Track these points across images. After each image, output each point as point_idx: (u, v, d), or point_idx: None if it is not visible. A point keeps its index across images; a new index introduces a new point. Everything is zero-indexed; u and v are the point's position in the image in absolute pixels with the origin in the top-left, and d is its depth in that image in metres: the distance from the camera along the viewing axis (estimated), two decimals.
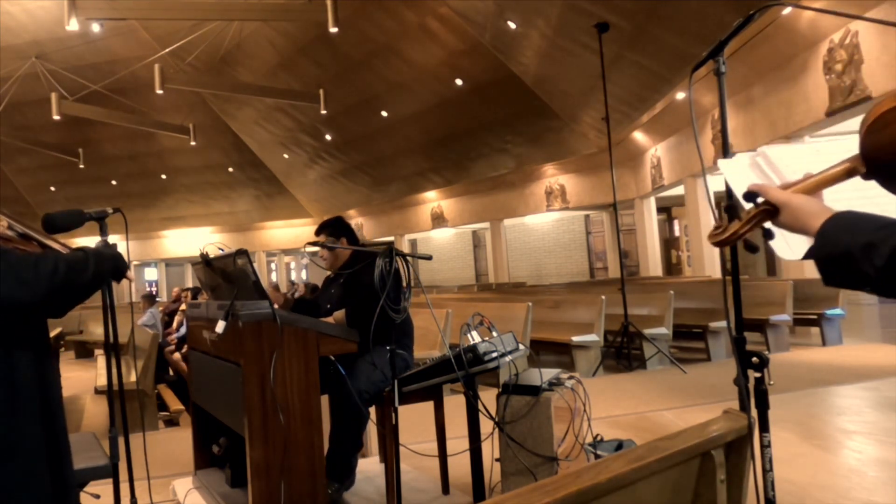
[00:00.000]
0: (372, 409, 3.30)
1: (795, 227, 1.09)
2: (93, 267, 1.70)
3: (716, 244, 1.21)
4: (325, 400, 2.97)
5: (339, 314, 3.23)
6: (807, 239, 1.26)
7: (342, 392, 2.96)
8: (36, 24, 18.12)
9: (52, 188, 25.94)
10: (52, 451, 1.65)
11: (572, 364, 6.50)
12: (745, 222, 1.15)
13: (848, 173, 1.06)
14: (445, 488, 3.15)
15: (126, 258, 1.91)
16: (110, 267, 1.79)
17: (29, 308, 1.58)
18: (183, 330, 8.40)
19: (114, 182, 25.90)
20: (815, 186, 1.11)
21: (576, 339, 6.52)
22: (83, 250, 1.80)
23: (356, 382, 2.95)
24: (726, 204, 1.21)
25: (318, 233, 3.53)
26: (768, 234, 1.16)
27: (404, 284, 2.83)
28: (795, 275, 9.26)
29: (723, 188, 1.33)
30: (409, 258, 2.92)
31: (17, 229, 1.74)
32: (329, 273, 3.61)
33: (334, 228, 3.52)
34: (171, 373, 8.22)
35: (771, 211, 1.12)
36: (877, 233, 0.94)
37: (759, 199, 1.13)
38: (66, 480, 1.70)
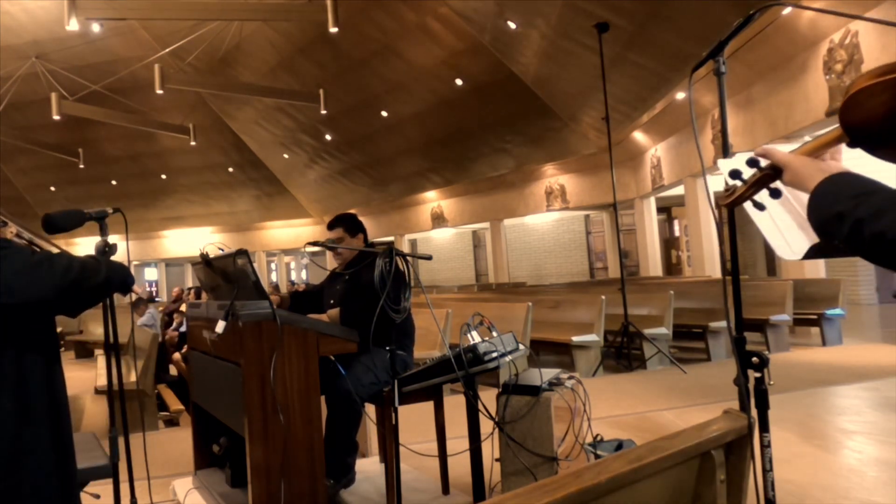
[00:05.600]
0: (372, 410, 3.30)
1: (796, 187, 1.17)
2: (104, 272, 1.76)
3: (726, 206, 1.31)
4: (324, 400, 2.98)
5: (333, 312, 3.23)
6: (806, 238, 1.27)
7: (334, 391, 2.97)
8: (36, 24, 18.11)
9: (52, 188, 25.93)
10: (59, 452, 1.67)
11: (572, 364, 6.50)
12: (752, 184, 1.25)
13: (838, 139, 1.14)
14: (445, 488, 3.15)
15: (126, 258, 1.95)
16: (119, 278, 1.86)
17: (42, 303, 1.62)
18: (183, 328, 8.40)
19: (114, 182, 25.89)
20: (813, 149, 1.19)
21: (576, 339, 6.52)
22: (95, 257, 1.88)
23: (345, 383, 2.96)
24: (732, 169, 1.29)
25: (332, 226, 3.48)
26: (775, 194, 1.24)
27: (413, 285, 2.83)
28: (795, 275, 9.26)
29: (723, 188, 1.34)
30: (409, 258, 2.92)
31: (24, 237, 1.79)
32: (336, 268, 3.60)
33: (350, 224, 3.49)
34: (171, 373, 8.22)
35: (773, 174, 1.21)
36: (848, 202, 1.01)
37: (763, 163, 1.22)
38: (71, 481, 1.72)
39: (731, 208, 1.34)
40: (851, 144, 1.11)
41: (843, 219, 1.00)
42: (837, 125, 1.12)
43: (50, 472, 1.63)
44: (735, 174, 1.28)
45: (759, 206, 1.30)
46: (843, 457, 3.66)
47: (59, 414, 1.70)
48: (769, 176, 1.22)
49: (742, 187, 1.26)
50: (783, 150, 1.30)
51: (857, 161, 1.17)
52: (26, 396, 1.61)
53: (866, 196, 0.99)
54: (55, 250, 1.85)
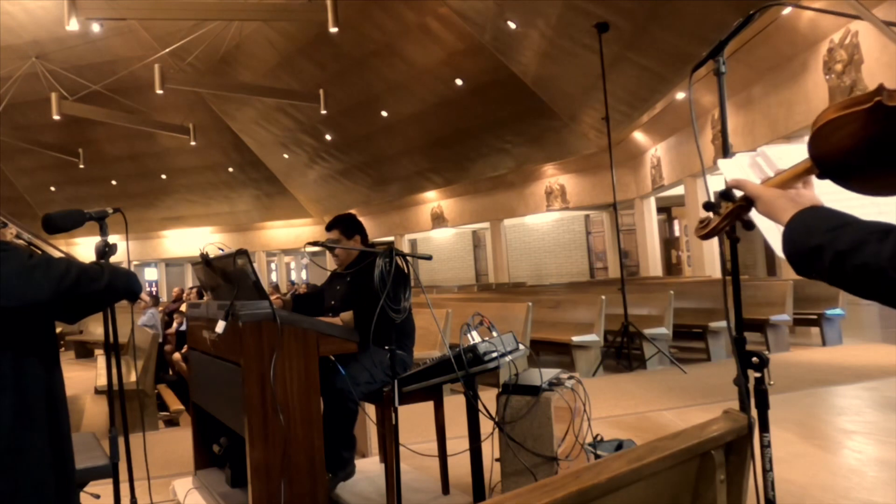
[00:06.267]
0: (372, 410, 3.30)
1: (771, 219, 1.17)
2: (106, 279, 1.72)
3: (701, 237, 1.33)
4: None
5: (347, 315, 3.23)
6: None
7: (330, 389, 2.97)
8: (36, 24, 18.11)
9: (52, 188, 25.93)
10: (57, 454, 1.66)
11: (572, 364, 6.50)
12: (725, 216, 1.26)
13: (808, 171, 1.15)
14: (445, 488, 3.15)
15: (126, 258, 1.94)
16: (124, 285, 1.81)
17: (37, 307, 1.59)
18: (183, 328, 8.40)
19: (114, 182, 25.89)
20: (784, 181, 1.19)
21: (576, 339, 6.52)
22: (99, 263, 1.84)
23: (341, 381, 2.96)
24: (705, 201, 1.31)
25: (330, 228, 3.49)
26: (748, 225, 1.26)
27: (413, 284, 2.84)
28: (795, 275, 9.25)
29: (723, 188, 1.34)
30: (409, 258, 2.92)
31: (24, 237, 1.77)
32: (336, 268, 3.60)
33: (347, 225, 3.50)
34: (171, 373, 8.23)
35: (745, 206, 1.22)
36: (825, 235, 1.01)
37: (737, 194, 1.23)
38: (69, 483, 1.72)
39: (705, 240, 1.36)
40: (821, 176, 1.12)
41: (823, 252, 1.00)
42: (807, 157, 1.12)
43: (48, 473, 1.63)
44: (709, 206, 1.30)
45: (735, 239, 1.31)
46: (843, 457, 3.66)
47: (58, 415, 1.69)
48: (742, 208, 1.23)
49: (716, 219, 1.28)
50: (781, 151, 1.30)
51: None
52: (24, 398, 1.60)
53: (843, 228, 1.00)
54: (56, 253, 1.85)
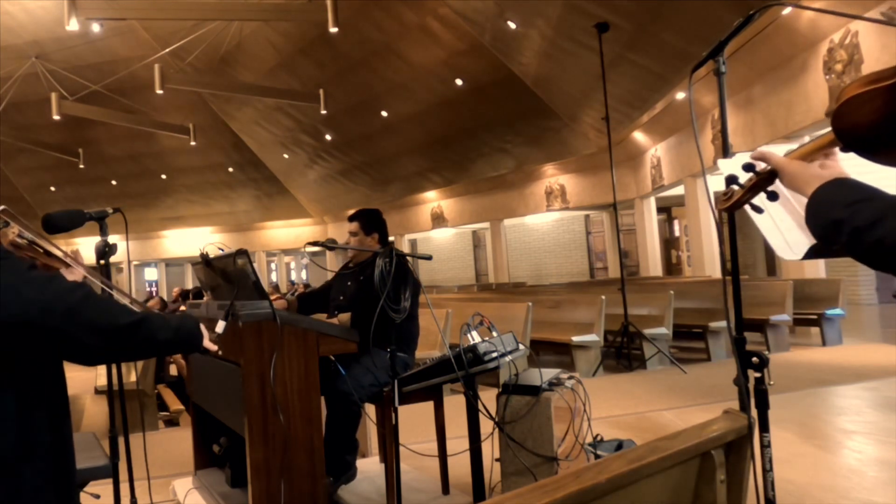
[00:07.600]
0: (372, 410, 3.30)
1: (795, 191, 1.19)
2: (136, 318, 1.46)
3: (725, 210, 1.33)
4: (323, 400, 2.98)
5: (345, 317, 3.24)
6: (806, 238, 1.28)
7: (333, 392, 2.97)
8: (36, 24, 18.11)
9: (52, 188, 25.93)
10: (59, 459, 1.66)
11: (572, 364, 6.50)
12: (749, 188, 1.26)
13: (831, 143, 1.16)
14: (445, 488, 3.15)
15: (126, 258, 1.92)
16: (168, 336, 1.55)
17: (27, 325, 1.37)
18: None
19: (114, 182, 25.89)
20: (809, 152, 1.20)
21: (576, 339, 6.52)
22: (152, 312, 1.57)
23: (344, 384, 2.96)
24: (729, 174, 1.31)
25: (352, 219, 3.53)
26: (772, 197, 1.26)
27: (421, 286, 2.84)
28: (795, 275, 9.26)
29: (723, 188, 1.35)
30: (408, 258, 2.92)
31: (26, 237, 1.72)
32: (348, 262, 3.61)
33: (368, 220, 3.51)
34: (171, 373, 8.22)
35: (768, 178, 1.23)
36: (846, 209, 1.02)
37: (760, 167, 1.24)
38: (70, 486, 1.71)
39: (730, 212, 1.36)
40: (844, 149, 1.13)
41: (841, 226, 1.01)
42: (830, 130, 1.13)
43: (49, 478, 1.62)
44: (732, 179, 1.30)
45: (758, 210, 1.31)
46: (843, 457, 3.66)
47: (60, 419, 1.68)
48: (766, 180, 1.23)
49: (739, 191, 1.28)
50: (783, 149, 1.31)
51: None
52: (26, 400, 1.60)
53: (862, 203, 1.01)
54: (57, 252, 1.82)
